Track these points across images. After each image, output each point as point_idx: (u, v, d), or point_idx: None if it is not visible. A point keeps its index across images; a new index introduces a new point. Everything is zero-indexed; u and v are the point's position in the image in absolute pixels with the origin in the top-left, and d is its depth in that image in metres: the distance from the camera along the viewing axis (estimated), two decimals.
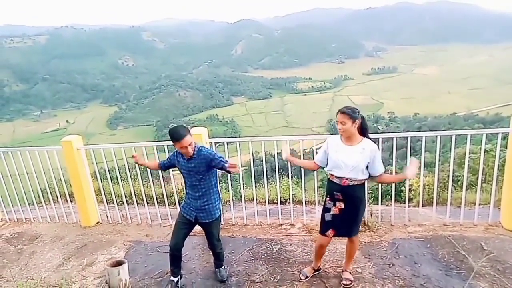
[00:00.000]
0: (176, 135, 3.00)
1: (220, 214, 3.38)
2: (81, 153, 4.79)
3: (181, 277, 3.50)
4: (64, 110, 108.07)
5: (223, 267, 3.58)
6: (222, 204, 3.48)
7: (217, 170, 3.23)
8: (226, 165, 2.99)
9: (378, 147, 4.26)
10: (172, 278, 3.41)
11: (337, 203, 3.06)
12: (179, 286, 3.41)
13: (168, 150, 4.64)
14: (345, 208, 3.05)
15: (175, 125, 3.23)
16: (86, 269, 3.92)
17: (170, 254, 3.32)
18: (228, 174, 3.50)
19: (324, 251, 3.39)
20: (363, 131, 3.02)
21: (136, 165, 5.02)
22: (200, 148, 3.14)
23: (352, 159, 2.95)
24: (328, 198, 3.14)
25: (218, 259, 3.55)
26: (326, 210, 3.15)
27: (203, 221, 3.28)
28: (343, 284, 3.26)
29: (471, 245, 3.71)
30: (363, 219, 3.19)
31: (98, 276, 3.75)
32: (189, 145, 3.02)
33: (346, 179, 2.99)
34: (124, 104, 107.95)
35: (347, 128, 2.92)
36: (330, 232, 3.15)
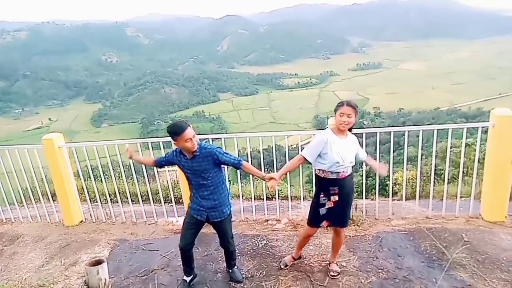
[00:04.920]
0: (177, 128, 2.85)
1: (231, 209, 3.21)
2: (62, 151, 4.69)
3: (195, 277, 3.37)
4: (47, 107, 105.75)
5: (236, 267, 3.43)
6: (231, 198, 3.31)
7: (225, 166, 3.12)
8: (241, 166, 3.03)
9: (362, 142, 4.34)
10: (184, 277, 3.32)
11: (332, 197, 3.05)
12: (191, 285, 3.32)
13: (152, 148, 4.58)
14: (340, 200, 3.06)
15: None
16: (69, 269, 3.85)
17: (181, 254, 3.20)
18: None
19: (308, 241, 3.52)
20: None
21: (120, 163, 4.95)
22: (203, 145, 3.00)
23: (351, 152, 3.02)
24: (322, 195, 3.09)
25: (232, 258, 3.38)
26: (320, 205, 3.10)
27: (215, 219, 3.11)
28: (330, 275, 3.31)
29: (452, 237, 3.79)
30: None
31: (82, 275, 3.68)
32: (193, 136, 2.86)
33: (343, 171, 3.00)
34: (108, 101, 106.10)
35: (352, 121, 2.93)
36: (324, 223, 3.16)
